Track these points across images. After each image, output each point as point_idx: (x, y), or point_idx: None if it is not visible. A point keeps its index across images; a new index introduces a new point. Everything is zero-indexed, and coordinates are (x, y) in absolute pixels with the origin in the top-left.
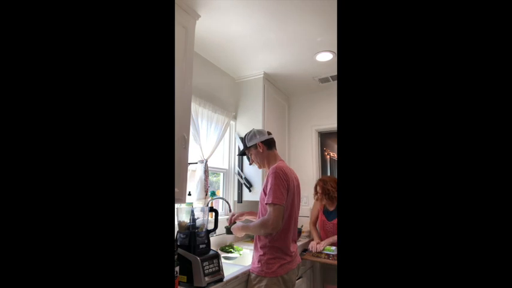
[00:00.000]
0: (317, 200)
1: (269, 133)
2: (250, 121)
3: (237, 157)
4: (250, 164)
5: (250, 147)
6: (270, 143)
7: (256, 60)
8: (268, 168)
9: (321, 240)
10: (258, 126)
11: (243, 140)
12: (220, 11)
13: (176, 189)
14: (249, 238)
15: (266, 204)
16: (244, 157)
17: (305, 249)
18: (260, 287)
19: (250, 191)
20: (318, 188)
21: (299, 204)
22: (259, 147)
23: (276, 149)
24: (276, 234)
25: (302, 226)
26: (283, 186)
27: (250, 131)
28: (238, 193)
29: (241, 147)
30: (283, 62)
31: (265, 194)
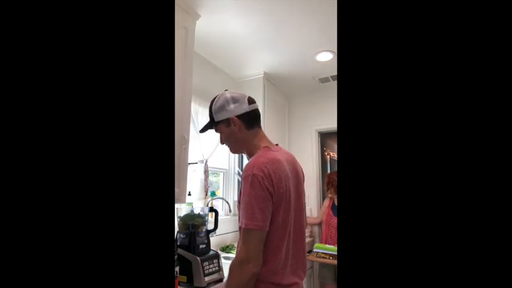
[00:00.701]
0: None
1: (251, 100)
2: None
3: (237, 157)
4: (221, 143)
5: (218, 122)
6: (250, 119)
7: (256, 60)
8: (249, 155)
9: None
10: None
11: (210, 108)
12: (220, 11)
13: (176, 189)
14: None
15: (239, 227)
16: (245, 157)
17: (309, 251)
18: None
19: None
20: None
21: (301, 210)
22: (233, 125)
23: (260, 127)
24: (270, 265)
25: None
26: (264, 198)
27: (219, 96)
28: (238, 193)
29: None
30: (283, 62)
31: (239, 205)
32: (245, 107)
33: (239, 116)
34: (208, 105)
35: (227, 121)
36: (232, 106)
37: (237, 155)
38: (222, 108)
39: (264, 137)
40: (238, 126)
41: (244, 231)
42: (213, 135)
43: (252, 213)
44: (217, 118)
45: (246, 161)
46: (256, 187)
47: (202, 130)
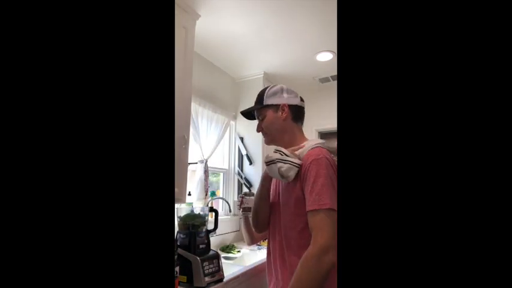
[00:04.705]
0: None
1: (302, 99)
2: (250, 121)
3: (237, 157)
4: (258, 131)
5: (267, 106)
6: (298, 113)
7: (256, 60)
8: (287, 145)
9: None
10: None
11: (260, 94)
12: (220, 11)
13: (176, 189)
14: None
15: (311, 210)
16: (245, 157)
17: None
18: None
19: (250, 191)
20: None
21: None
22: (281, 112)
23: (302, 125)
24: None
25: None
26: (336, 181)
27: (274, 85)
28: (238, 193)
29: (242, 148)
30: (283, 62)
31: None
32: (297, 101)
33: (289, 106)
34: (208, 105)
35: (276, 107)
36: (285, 95)
37: (237, 156)
38: (275, 94)
39: (305, 137)
40: (286, 115)
41: (327, 213)
42: (212, 135)
43: (333, 195)
44: (266, 102)
45: (246, 163)
46: (331, 169)
47: (245, 112)
